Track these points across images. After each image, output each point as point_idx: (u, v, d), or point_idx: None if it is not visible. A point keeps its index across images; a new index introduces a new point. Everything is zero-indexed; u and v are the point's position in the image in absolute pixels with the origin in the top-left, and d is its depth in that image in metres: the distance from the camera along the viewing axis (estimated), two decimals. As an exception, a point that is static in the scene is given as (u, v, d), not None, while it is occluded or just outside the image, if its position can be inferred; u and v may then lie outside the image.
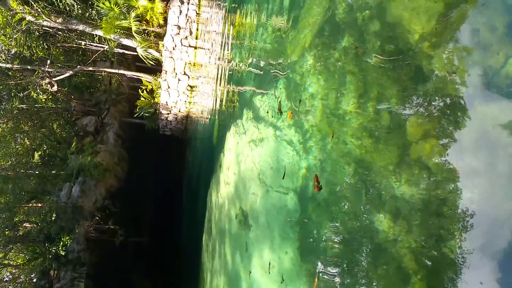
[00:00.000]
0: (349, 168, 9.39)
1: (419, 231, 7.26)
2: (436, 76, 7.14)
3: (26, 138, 26.49)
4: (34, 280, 22.29)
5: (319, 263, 9.73)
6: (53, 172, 25.06)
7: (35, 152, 25.41)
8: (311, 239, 10.36)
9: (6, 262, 23.34)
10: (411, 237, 7.42)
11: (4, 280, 23.27)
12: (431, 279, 6.92)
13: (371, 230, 8.30)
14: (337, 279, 9.16)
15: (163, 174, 25.90)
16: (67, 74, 22.93)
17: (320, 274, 9.65)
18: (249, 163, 14.18)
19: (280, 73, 12.83)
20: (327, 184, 9.95)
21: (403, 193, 7.62)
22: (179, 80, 21.73)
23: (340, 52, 9.95)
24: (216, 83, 19.74)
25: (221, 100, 19.15)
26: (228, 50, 18.48)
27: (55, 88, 23.01)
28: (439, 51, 7.07)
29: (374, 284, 8.08)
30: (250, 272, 12.86)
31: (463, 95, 6.65)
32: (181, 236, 24.41)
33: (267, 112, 13.59)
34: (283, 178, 11.69)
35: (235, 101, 17.22)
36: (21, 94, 23.39)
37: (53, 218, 21.98)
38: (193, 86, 22.01)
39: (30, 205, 24.59)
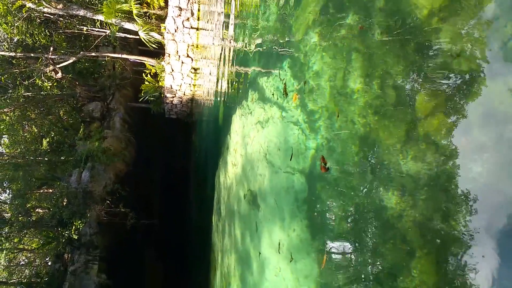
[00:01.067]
0: (356, 147, 9.42)
1: (425, 206, 7.34)
2: (443, 51, 7.08)
3: (33, 126, 26.69)
4: (49, 264, 22.88)
5: (328, 241, 9.89)
6: (62, 158, 25.36)
7: (43, 139, 25.64)
8: (320, 218, 10.49)
9: (21, 246, 23.92)
10: (417, 212, 7.51)
11: (20, 264, 23.90)
12: (437, 254, 7.03)
13: (379, 206, 8.39)
14: (346, 256, 9.33)
15: (170, 158, 26.09)
16: (71, 61, 22.92)
17: (329, 252, 9.83)
18: (256, 144, 14.24)
19: (285, 52, 12.75)
20: (335, 163, 10.01)
21: (409, 169, 7.67)
22: (182, 62, 21.62)
23: (345, 29, 9.85)
24: (220, 65, 19.64)
25: (226, 82, 19.09)
26: (231, 31, 18.30)
27: (59, 75, 23.05)
28: (447, 26, 6.98)
29: (382, 259, 8.22)
30: (260, 253, 13.11)
31: (470, 70, 6.59)
32: (190, 217, 24.77)
33: (273, 94, 13.57)
34: (290, 159, 11.76)
35: (240, 83, 17.17)
36: (26, 82, 23.47)
37: (64, 203, 22.34)
38: (197, 69, 21.90)
39: (41, 191, 25.01)
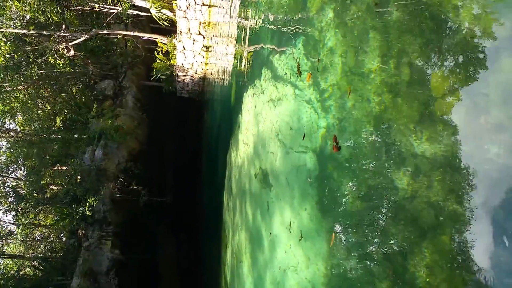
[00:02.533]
0: (370, 126, 9.32)
1: (440, 187, 7.27)
2: (462, 29, 6.88)
3: (47, 103, 26.96)
4: (64, 239, 23.50)
5: (338, 220, 9.93)
6: (75, 136, 25.64)
7: (57, 116, 25.89)
8: (331, 197, 10.51)
9: (36, 222, 24.58)
10: (431, 193, 7.45)
11: (36, 239, 24.61)
12: (450, 235, 7.00)
13: (390, 187, 8.36)
14: (355, 235, 9.37)
15: (182, 136, 26.23)
16: (83, 38, 22.88)
17: (337, 231, 9.88)
18: (268, 123, 14.19)
19: (299, 29, 12.52)
20: (347, 143, 9.95)
21: (424, 150, 7.58)
22: (194, 40, 21.43)
23: (360, 5, 9.62)
24: (232, 43, 19.43)
25: (238, 60, 18.92)
26: (244, 8, 18.01)
27: (71, 52, 23.08)
28: (467, 2, 6.75)
29: (392, 238, 8.24)
30: (271, 232, 13.23)
31: (489, 48, 6.41)
32: (202, 195, 25.08)
33: (285, 73, 13.42)
34: (303, 139, 11.70)
35: (253, 61, 16.99)
36: (39, 60, 23.57)
37: (78, 181, 22.72)
38: (209, 47, 21.70)
39: (55, 168, 25.45)
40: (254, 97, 15.83)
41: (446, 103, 7.25)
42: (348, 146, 9.96)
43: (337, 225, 10.02)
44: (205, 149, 25.65)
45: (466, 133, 6.95)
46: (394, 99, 8.61)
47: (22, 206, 22.95)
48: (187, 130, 26.78)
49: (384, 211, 8.66)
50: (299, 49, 12.47)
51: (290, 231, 11.86)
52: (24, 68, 24.38)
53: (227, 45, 20.03)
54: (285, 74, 13.38)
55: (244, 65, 17.93)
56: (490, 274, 6.09)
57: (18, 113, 26.80)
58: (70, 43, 22.66)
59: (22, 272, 22.53)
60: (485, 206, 6.44)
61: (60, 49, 22.72)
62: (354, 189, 9.67)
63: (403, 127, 8.33)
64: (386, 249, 8.46)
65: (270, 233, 13.18)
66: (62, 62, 22.68)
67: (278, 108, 13.73)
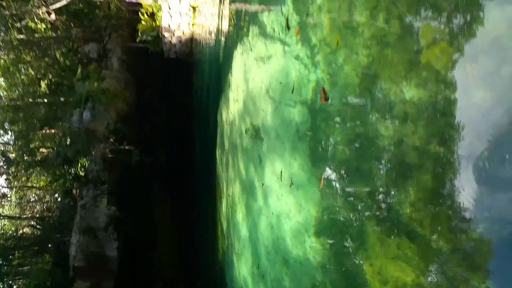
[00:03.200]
0: (358, 78, 9.72)
1: (424, 131, 7.68)
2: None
3: (30, 68, 26.44)
4: (59, 200, 23.97)
5: (327, 168, 10.61)
6: (61, 99, 25.49)
7: (41, 81, 25.58)
8: (320, 147, 11.09)
9: (29, 184, 24.82)
10: (416, 137, 7.94)
11: (31, 200, 24.98)
12: (432, 174, 7.47)
13: (377, 135, 8.86)
14: (344, 181, 10.09)
15: (172, 97, 26.28)
16: (64, 2, 22.33)
17: (326, 177, 10.54)
18: (257, 80, 14.51)
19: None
20: (336, 94, 10.41)
21: (412, 96, 7.85)
22: (180, 0, 21.30)
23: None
24: (220, 2, 19.38)
25: (226, 19, 18.97)
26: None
27: (52, 16, 22.60)
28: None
29: (378, 180, 8.91)
30: (263, 184, 13.90)
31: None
32: (195, 153, 25.51)
33: (274, 29, 13.67)
34: (292, 92, 12.04)
35: (241, 20, 17.14)
36: (19, 25, 22.96)
37: (68, 143, 22.85)
38: (195, 7, 21.63)
39: (43, 131, 25.41)
40: (243, 55, 16.08)
41: (434, 52, 7.61)
42: (337, 97, 10.38)
43: (326, 171, 10.61)
44: (196, 108, 25.80)
45: (452, 80, 7.16)
46: (383, 51, 9.00)
47: (13, 170, 23.13)
48: (177, 91, 26.82)
49: (371, 157, 9.07)
50: (287, 4, 12.69)
51: (281, 180, 12.44)
52: (3, 34, 23.72)
53: (214, 5, 20.05)
54: (274, 30, 13.64)
55: (232, 23, 18.07)
56: (471, 209, 6.56)
57: (0, 79, 26.29)
58: (50, 7, 22.13)
59: (21, 231, 23.07)
60: (468, 149, 6.84)
61: (40, 13, 22.19)
62: (342, 138, 10.19)
63: (391, 76, 8.65)
64: (372, 191, 8.99)
65: (263, 184, 13.89)
66: (44, 26, 22.20)
67: (267, 64, 14.00)
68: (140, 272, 19.90)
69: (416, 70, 7.96)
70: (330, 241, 10.44)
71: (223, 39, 19.34)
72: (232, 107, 17.18)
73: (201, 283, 22.13)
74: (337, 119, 10.38)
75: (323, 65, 11.15)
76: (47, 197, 24.91)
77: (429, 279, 7.21)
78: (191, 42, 24.08)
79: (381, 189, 8.72)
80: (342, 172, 10.20)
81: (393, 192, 8.41)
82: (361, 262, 9.05)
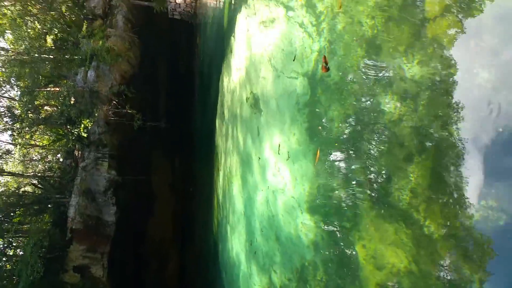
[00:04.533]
0: (362, 50, 9.09)
1: (425, 111, 7.28)
2: None
3: (36, 21, 25.85)
4: (61, 160, 24.01)
5: (325, 143, 10.07)
6: (66, 56, 25.03)
7: (47, 35, 25.05)
8: (319, 121, 10.55)
9: (33, 142, 24.89)
10: (416, 117, 7.46)
11: (34, 159, 25.14)
12: (435, 160, 7.14)
13: (377, 111, 8.35)
14: (341, 158, 9.56)
15: (175, 61, 25.54)
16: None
17: (323, 153, 10.06)
18: (260, 46, 13.80)
19: None
20: (338, 67, 9.76)
21: (414, 74, 7.47)
22: (187, -44, 20.04)
23: None
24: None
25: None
26: None
27: (58, -35, 21.64)
28: None
29: (376, 161, 8.41)
30: (260, 156, 13.49)
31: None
32: (195, 121, 25.18)
33: (280, -9, 12.76)
34: (293, 60, 11.45)
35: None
36: (25, -26, 22.17)
37: (72, 102, 22.61)
38: (202, -36, 20.35)
39: (48, 89, 25.18)
40: (247, 19, 15.21)
41: (439, 26, 7.00)
42: (338, 69, 9.79)
43: (324, 147, 10.15)
44: (198, 73, 25.23)
45: (455, 58, 6.73)
46: (387, 22, 8.29)
47: (17, 126, 23.10)
48: (180, 54, 26.02)
49: (369, 134, 8.70)
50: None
51: (278, 153, 12.05)
52: (9, -18, 23.05)
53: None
54: (279, -7, 12.73)
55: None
56: (471, 200, 6.35)
57: (7, 31, 25.83)
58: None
59: (22, 189, 23.33)
60: (468, 134, 6.50)
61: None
62: (341, 113, 9.67)
63: (394, 51, 8.13)
64: (371, 172, 8.62)
65: (259, 158, 13.46)
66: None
67: (270, 31, 13.26)
68: (135, 239, 20.03)
69: (420, 45, 7.35)
70: (323, 219, 10.09)
71: (228, 1, 18.31)
72: (234, 75, 16.51)
73: (193, 253, 22.34)
74: (337, 92, 9.86)
75: (328, 34, 10.43)
76: (50, 157, 24.97)
77: (422, 267, 7.00)
78: (196, 2, 22.94)
79: (379, 171, 8.32)
80: (339, 149, 9.70)
81: (393, 176, 7.97)
82: (354, 244, 8.77)
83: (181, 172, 24.39)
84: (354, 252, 8.77)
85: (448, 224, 6.67)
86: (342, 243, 9.33)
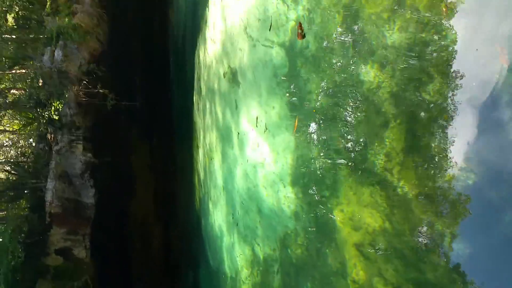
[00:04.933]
0: (339, 17, 8.96)
1: (402, 75, 7.30)
2: None
3: (-7, -1, 24.37)
4: (33, 144, 23.18)
5: (303, 115, 10.03)
6: (31, 36, 23.83)
7: (7, 14, 23.72)
8: (297, 93, 10.48)
9: (2, 128, 23.89)
10: (394, 82, 7.49)
11: (4, 145, 24.18)
12: (408, 123, 7.22)
13: (356, 80, 8.35)
14: (320, 129, 9.56)
15: (148, 36, 24.67)
16: None
17: (302, 125, 10.05)
18: (235, 16, 13.42)
19: None
20: (315, 36, 9.60)
21: (394, 40, 7.41)
22: None
23: None
24: None
25: None
26: None
27: None
28: None
29: (354, 130, 8.46)
30: (239, 131, 13.36)
31: None
32: (172, 98, 24.63)
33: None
34: (269, 30, 11.25)
35: None
36: None
37: (40, 84, 21.70)
38: None
39: (13, 71, 24.06)
40: (221, -12, 14.72)
41: None
42: (316, 38, 9.66)
43: (302, 117, 10.15)
44: (172, 48, 24.50)
45: (433, 19, 6.67)
46: None
47: (-17, 112, 22.12)
48: (152, 29, 25.09)
49: (348, 104, 8.75)
50: None
51: (257, 126, 11.97)
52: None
53: None
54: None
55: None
56: (445, 161, 6.43)
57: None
58: None
59: (-5, 176, 22.56)
60: (444, 95, 6.53)
61: None
62: (320, 84, 9.62)
63: (375, 17, 8.02)
64: (348, 141, 8.71)
65: (238, 133, 13.34)
66: None
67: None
68: (116, 220, 19.80)
69: (401, 10, 7.27)
70: (304, 190, 10.25)
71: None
72: (210, 48, 16.12)
73: (177, 230, 22.37)
74: (315, 63, 9.77)
75: (304, 2, 10.20)
76: (21, 142, 24.05)
77: (394, 225, 7.31)
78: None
79: (356, 138, 8.41)
80: (318, 120, 9.72)
81: (369, 143, 8.11)
82: (332, 209, 9.03)
83: (160, 151, 23.97)
84: (332, 217, 9.04)
85: (422, 184, 6.85)
86: (321, 210, 9.58)
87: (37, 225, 18.04)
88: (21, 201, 20.46)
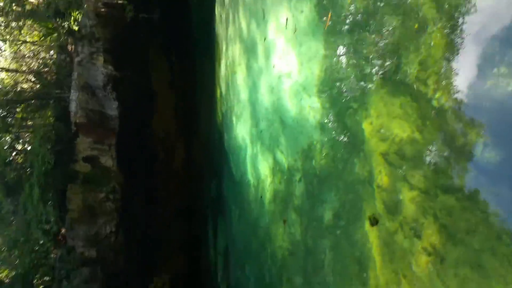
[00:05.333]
0: None
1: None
2: None
3: None
4: (55, 56, 23.14)
5: (336, 20, 9.56)
6: None
7: None
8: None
9: (22, 39, 23.69)
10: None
11: (27, 56, 24.17)
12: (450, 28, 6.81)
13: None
14: (350, 32, 9.14)
15: None
16: None
17: (333, 26, 9.60)
18: None
19: None
20: None
21: None
22: None
23: None
24: None
25: None
26: None
27: None
28: None
29: (388, 37, 8.06)
30: (265, 39, 12.97)
31: None
32: (192, 10, 23.73)
33: None
34: None
35: None
36: None
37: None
38: None
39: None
40: None
41: None
42: None
43: (333, 12, 9.58)
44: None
45: None
46: None
47: (2, 20, 21.80)
48: None
49: (383, 7, 8.24)
50: None
51: (286, 28, 11.48)
52: None
53: None
54: None
55: None
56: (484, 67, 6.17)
57: None
58: None
59: (20, 87, 22.79)
60: None
61: None
62: None
63: None
64: (381, 47, 8.34)
65: (265, 38, 12.95)
66: None
67: None
68: (139, 133, 20.23)
69: None
70: (331, 101, 10.00)
71: None
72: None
73: (199, 144, 22.81)
74: None
75: None
76: (43, 54, 23.93)
77: (425, 135, 7.09)
78: None
79: (390, 47, 8.03)
80: (350, 22, 9.23)
81: (404, 48, 7.72)
82: (361, 121, 8.76)
83: (179, 67, 23.72)
84: (361, 128, 8.83)
85: (459, 95, 6.47)
86: (349, 122, 9.37)
87: (63, 133, 18.68)
88: (47, 110, 20.94)
